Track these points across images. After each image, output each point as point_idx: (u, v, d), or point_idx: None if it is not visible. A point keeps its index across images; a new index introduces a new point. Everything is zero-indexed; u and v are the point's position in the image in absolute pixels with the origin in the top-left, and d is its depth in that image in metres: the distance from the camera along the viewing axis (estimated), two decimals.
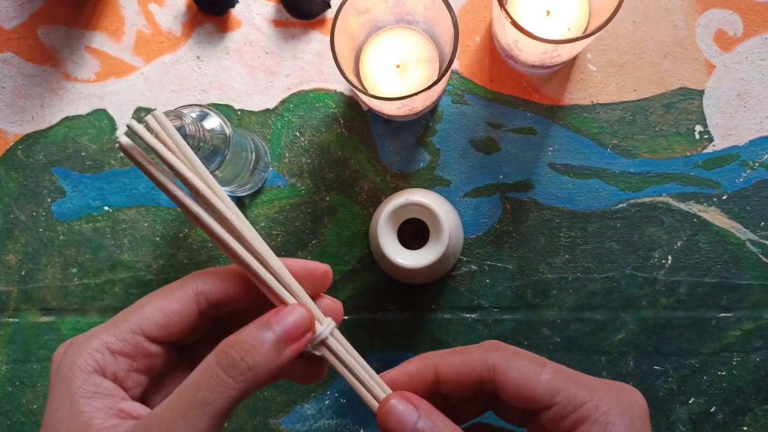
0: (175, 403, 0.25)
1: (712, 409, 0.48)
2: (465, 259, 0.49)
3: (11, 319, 0.51)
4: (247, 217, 0.49)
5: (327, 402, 0.49)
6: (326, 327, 0.28)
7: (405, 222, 0.45)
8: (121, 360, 0.26)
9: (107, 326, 0.27)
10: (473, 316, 0.49)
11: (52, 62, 0.51)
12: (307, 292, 0.28)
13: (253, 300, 0.28)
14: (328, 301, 0.30)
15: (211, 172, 0.41)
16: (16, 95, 0.52)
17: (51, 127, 0.51)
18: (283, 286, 0.28)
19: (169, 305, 0.27)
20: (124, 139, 0.25)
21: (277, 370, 0.26)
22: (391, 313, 0.49)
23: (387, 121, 0.49)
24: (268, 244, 0.50)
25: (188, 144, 0.38)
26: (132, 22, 0.51)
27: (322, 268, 0.29)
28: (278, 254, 0.50)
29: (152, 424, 0.24)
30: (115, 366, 0.26)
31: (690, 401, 0.48)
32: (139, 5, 0.51)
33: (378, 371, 0.50)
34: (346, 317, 0.49)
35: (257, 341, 0.26)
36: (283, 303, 0.27)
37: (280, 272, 0.28)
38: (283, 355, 0.26)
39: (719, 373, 0.48)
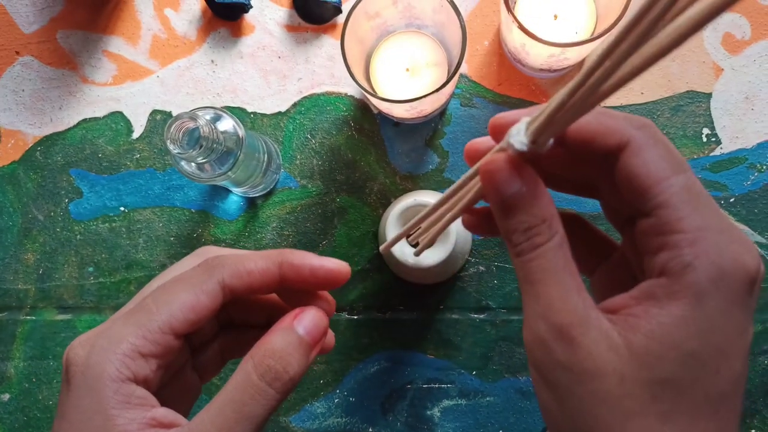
0: (219, 418, 0.24)
1: None
2: (473, 259, 0.49)
3: (29, 317, 0.52)
4: (258, 218, 0.50)
5: (336, 400, 0.50)
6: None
7: None
8: (151, 362, 0.25)
9: (131, 326, 0.25)
10: (481, 316, 0.49)
11: (70, 66, 0.53)
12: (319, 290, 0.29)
13: (266, 291, 0.28)
14: (322, 303, 0.29)
15: (224, 173, 0.42)
16: (36, 98, 0.53)
17: (69, 129, 0.53)
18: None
19: (199, 301, 0.26)
20: None
21: (304, 373, 0.26)
22: (400, 312, 0.50)
23: (396, 124, 0.50)
24: (280, 244, 0.51)
25: (202, 145, 0.39)
26: (148, 26, 0.52)
27: (345, 271, 0.29)
28: None
29: None
30: (146, 370, 0.25)
31: None
32: (155, 10, 0.52)
33: (387, 370, 0.51)
34: (355, 317, 0.50)
35: (291, 349, 0.26)
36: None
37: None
38: (309, 358, 0.26)
39: None
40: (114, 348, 0.25)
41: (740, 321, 0.22)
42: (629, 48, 0.19)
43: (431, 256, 0.44)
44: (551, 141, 0.24)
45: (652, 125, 0.24)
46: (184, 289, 0.26)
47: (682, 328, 0.21)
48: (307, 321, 0.27)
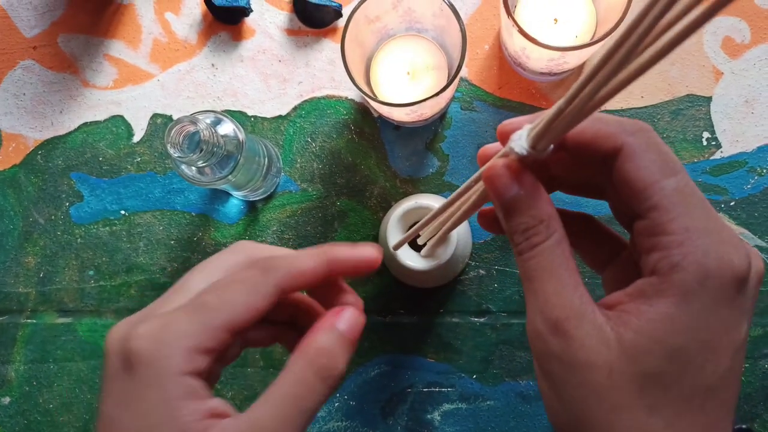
0: (279, 411, 0.26)
1: None
2: (473, 263, 0.49)
3: (29, 320, 0.52)
4: (259, 222, 0.51)
5: (336, 404, 0.50)
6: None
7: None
8: (208, 356, 0.27)
9: (196, 323, 0.26)
10: (481, 320, 0.49)
11: (71, 70, 0.53)
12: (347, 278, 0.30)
13: (310, 287, 0.30)
14: (351, 297, 0.30)
15: (225, 177, 0.42)
16: (37, 102, 0.53)
17: (70, 133, 0.53)
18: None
19: (257, 303, 0.27)
20: None
21: None
22: (401, 316, 0.50)
23: (397, 128, 0.50)
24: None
25: (202, 149, 0.39)
26: (149, 30, 0.52)
27: (380, 256, 0.30)
28: None
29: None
30: (204, 364, 0.26)
31: None
32: (156, 14, 0.52)
33: (387, 374, 0.50)
34: None
35: (338, 348, 0.28)
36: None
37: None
38: (350, 355, 0.28)
39: None
40: (181, 343, 0.26)
41: (727, 318, 0.23)
42: (626, 55, 0.19)
43: (431, 259, 0.44)
44: (551, 147, 0.24)
45: (646, 129, 0.25)
46: (244, 291, 0.27)
47: (668, 325, 0.22)
48: (347, 319, 0.28)
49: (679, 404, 0.23)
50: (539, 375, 0.25)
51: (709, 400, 0.23)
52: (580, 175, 0.29)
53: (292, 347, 0.32)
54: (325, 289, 0.31)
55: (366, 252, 0.30)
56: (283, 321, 0.34)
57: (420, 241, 0.42)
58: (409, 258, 0.44)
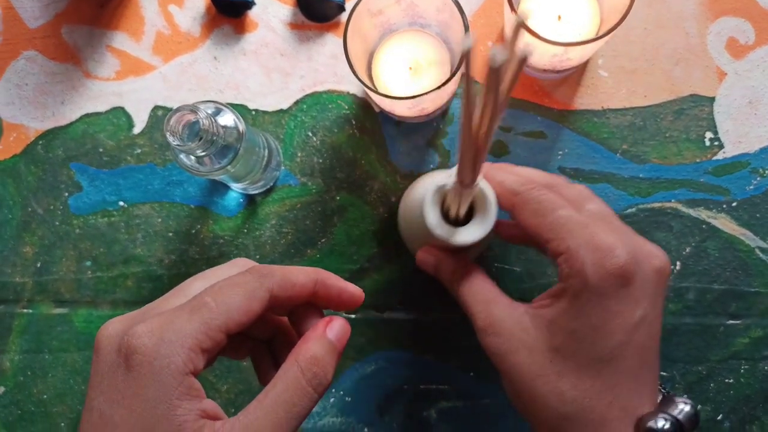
0: (271, 416, 0.27)
1: (719, 417, 0.47)
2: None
3: (25, 310, 0.52)
4: (257, 215, 0.50)
5: (332, 400, 0.50)
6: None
7: None
8: (204, 356, 0.27)
9: (196, 322, 0.27)
10: None
11: (74, 60, 0.53)
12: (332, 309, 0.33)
13: (296, 303, 0.32)
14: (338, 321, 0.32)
15: (224, 167, 0.42)
16: (39, 92, 0.53)
17: (70, 124, 0.53)
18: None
19: (251, 307, 0.28)
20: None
21: None
22: (399, 312, 0.50)
23: (398, 123, 0.50)
24: (279, 242, 0.51)
25: (201, 138, 0.39)
26: (152, 22, 0.52)
27: (361, 297, 0.33)
28: (288, 251, 0.50)
29: None
30: (200, 363, 0.27)
31: (697, 408, 0.47)
32: (159, 6, 0.52)
33: (384, 371, 0.50)
34: (353, 315, 0.50)
35: (328, 357, 0.30)
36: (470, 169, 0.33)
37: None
38: (337, 363, 0.30)
39: (727, 380, 0.47)
40: (182, 342, 0.27)
41: (613, 307, 0.31)
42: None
43: (471, 233, 0.37)
44: (479, 179, 0.33)
45: (526, 190, 0.35)
46: (240, 294, 0.28)
47: (566, 314, 0.32)
48: (337, 329, 0.31)
49: (579, 370, 0.31)
50: (498, 369, 0.34)
51: (605, 367, 0.31)
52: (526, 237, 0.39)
53: (261, 364, 0.35)
54: (304, 312, 0.33)
55: (352, 288, 0.33)
56: (261, 339, 0.35)
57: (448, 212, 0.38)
58: (445, 231, 0.37)
